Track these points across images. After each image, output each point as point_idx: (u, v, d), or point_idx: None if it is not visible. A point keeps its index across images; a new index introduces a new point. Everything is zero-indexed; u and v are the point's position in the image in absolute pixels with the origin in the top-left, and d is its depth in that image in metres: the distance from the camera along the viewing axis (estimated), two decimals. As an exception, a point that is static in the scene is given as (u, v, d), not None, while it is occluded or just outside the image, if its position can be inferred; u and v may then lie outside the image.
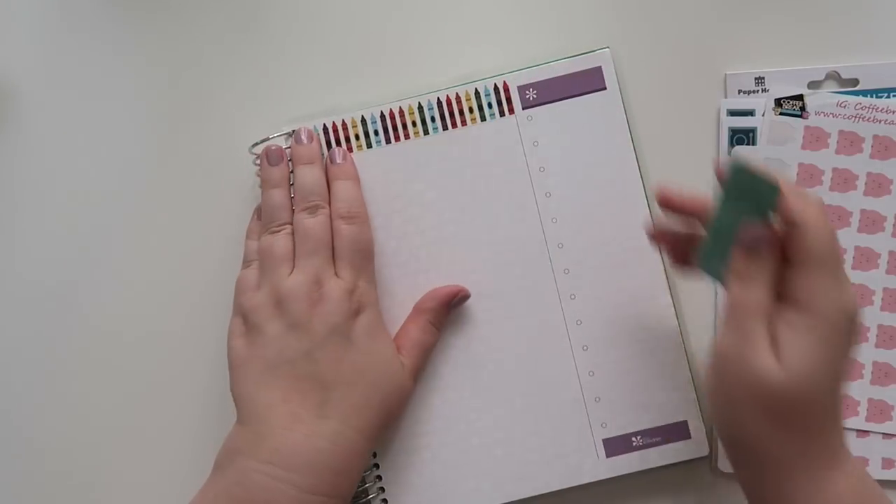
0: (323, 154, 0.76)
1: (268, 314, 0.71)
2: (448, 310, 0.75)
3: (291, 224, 0.74)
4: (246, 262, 0.75)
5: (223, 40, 0.79)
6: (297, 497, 0.67)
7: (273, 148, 0.75)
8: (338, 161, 0.75)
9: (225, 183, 0.78)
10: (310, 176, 0.74)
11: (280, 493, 0.66)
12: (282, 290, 0.71)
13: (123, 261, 0.78)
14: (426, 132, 0.76)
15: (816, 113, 0.75)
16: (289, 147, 0.76)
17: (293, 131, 0.76)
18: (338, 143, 0.76)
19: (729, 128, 0.76)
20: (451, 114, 0.76)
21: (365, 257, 0.73)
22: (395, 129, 0.76)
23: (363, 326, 0.71)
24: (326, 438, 0.68)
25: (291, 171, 0.75)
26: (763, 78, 0.76)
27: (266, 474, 0.67)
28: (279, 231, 0.73)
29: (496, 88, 0.76)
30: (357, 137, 0.76)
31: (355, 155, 0.76)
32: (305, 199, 0.74)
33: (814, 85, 0.76)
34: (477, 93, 0.76)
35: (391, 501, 0.75)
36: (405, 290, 0.76)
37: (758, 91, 0.77)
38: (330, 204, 0.74)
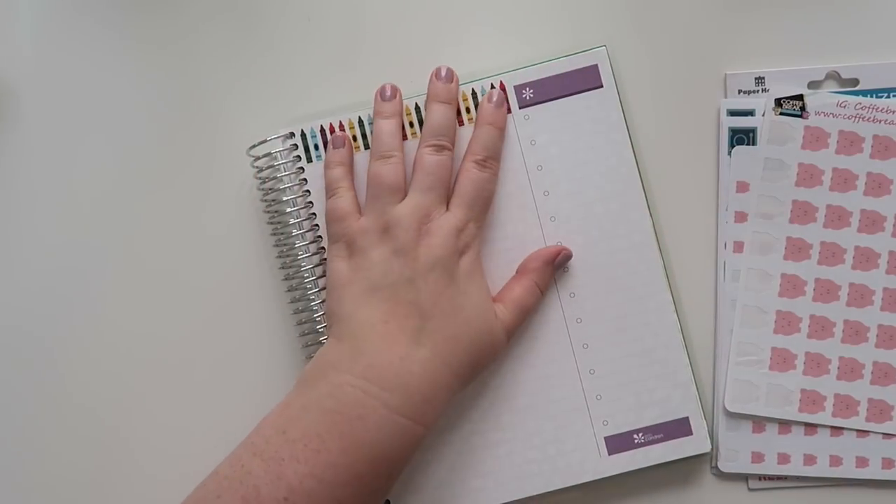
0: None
1: (374, 239, 0.72)
2: (552, 269, 0.75)
3: (401, 154, 0.74)
4: (331, 191, 0.75)
5: (222, 41, 0.79)
6: (387, 416, 0.68)
7: (388, 85, 0.76)
8: (493, 107, 0.76)
9: (224, 184, 0.79)
10: (442, 115, 0.75)
11: (371, 410, 0.68)
12: (391, 217, 0.72)
13: (122, 261, 0.79)
14: (424, 133, 0.77)
15: (816, 113, 0.75)
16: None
17: (291, 133, 0.77)
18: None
19: (729, 128, 0.76)
20: (449, 114, 0.77)
21: (483, 204, 0.74)
22: (392, 129, 0.77)
23: (465, 266, 0.72)
24: (419, 364, 0.69)
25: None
26: (763, 78, 0.76)
27: (360, 389, 0.68)
28: (390, 159, 0.74)
29: (493, 88, 0.76)
30: (355, 139, 0.76)
31: (353, 156, 0.77)
32: (434, 136, 0.74)
33: (814, 85, 0.76)
34: (474, 93, 0.76)
35: (394, 502, 0.75)
36: None
37: (758, 91, 0.77)
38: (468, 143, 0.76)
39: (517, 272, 0.75)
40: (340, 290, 0.72)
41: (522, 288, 0.74)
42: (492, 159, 0.75)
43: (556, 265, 0.75)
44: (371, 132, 0.76)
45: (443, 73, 0.75)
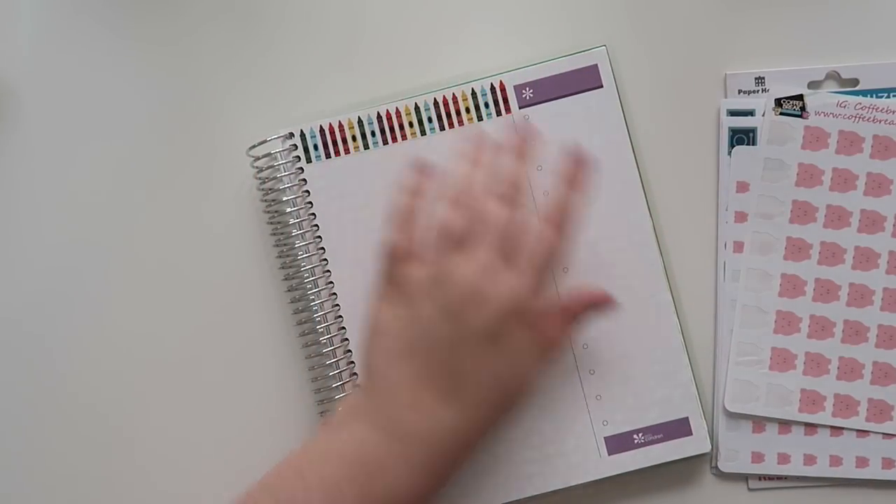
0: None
1: (425, 292, 0.67)
2: (591, 314, 0.72)
3: (479, 204, 0.68)
4: (396, 221, 0.70)
5: (222, 42, 0.79)
6: (408, 472, 0.66)
7: (477, 130, 0.73)
8: (572, 166, 0.70)
9: (224, 184, 0.79)
10: (513, 166, 0.70)
11: (392, 464, 0.66)
12: (448, 274, 0.67)
13: (122, 260, 0.79)
14: (423, 133, 0.76)
15: (816, 113, 0.75)
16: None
17: (290, 133, 0.77)
18: (334, 144, 0.77)
19: (729, 128, 0.76)
20: (448, 114, 0.76)
21: (547, 266, 0.68)
22: (392, 129, 0.77)
23: (518, 340, 0.67)
24: (445, 425, 0.66)
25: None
26: (763, 78, 0.76)
27: (382, 442, 0.66)
28: (463, 209, 0.68)
29: (493, 88, 0.76)
30: (354, 139, 0.76)
31: (353, 156, 0.77)
32: (504, 186, 0.69)
33: (814, 85, 0.76)
34: (473, 92, 0.76)
35: (393, 501, 0.75)
36: None
37: (758, 91, 0.77)
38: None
39: (561, 308, 0.72)
40: (378, 338, 0.69)
41: (563, 332, 0.71)
42: (568, 220, 0.69)
43: (598, 311, 0.72)
44: (370, 132, 0.76)
45: (523, 130, 0.73)
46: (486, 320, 0.66)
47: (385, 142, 0.76)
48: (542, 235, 0.68)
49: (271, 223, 0.77)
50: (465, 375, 0.66)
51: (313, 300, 0.76)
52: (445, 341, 0.67)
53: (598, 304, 0.72)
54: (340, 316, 0.76)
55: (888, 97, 0.75)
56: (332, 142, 0.77)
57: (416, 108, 0.76)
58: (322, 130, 0.77)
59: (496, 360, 0.67)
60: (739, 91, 0.77)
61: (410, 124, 0.76)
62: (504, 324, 0.66)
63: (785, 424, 0.75)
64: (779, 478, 0.76)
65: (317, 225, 0.76)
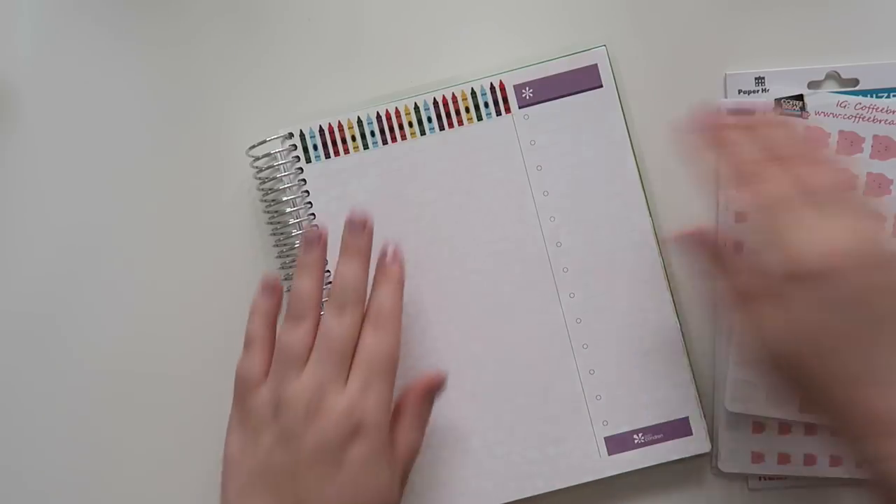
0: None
1: (267, 417, 0.65)
2: (430, 403, 0.70)
3: (315, 317, 0.67)
4: (247, 346, 0.69)
5: (222, 42, 0.80)
6: None
7: (313, 232, 0.69)
8: (387, 263, 0.70)
9: (223, 185, 0.79)
10: (351, 273, 0.68)
11: None
12: (284, 395, 0.65)
13: (122, 261, 0.79)
14: (423, 133, 0.76)
15: (816, 113, 0.75)
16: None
17: (290, 133, 0.77)
18: (334, 144, 0.77)
19: (729, 128, 0.76)
20: (448, 114, 0.76)
21: (383, 371, 0.66)
22: (391, 129, 0.77)
23: (358, 452, 0.64)
24: None
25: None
26: (763, 78, 0.76)
27: None
28: (301, 325, 0.67)
29: (492, 88, 0.76)
30: (353, 139, 0.76)
31: (352, 156, 0.77)
32: (338, 296, 0.67)
33: (814, 85, 0.76)
34: (473, 92, 0.76)
35: (393, 501, 0.75)
36: (404, 292, 0.76)
37: (758, 91, 0.76)
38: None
39: (395, 409, 0.69)
40: (228, 469, 0.66)
41: (410, 439, 0.69)
42: (387, 315, 0.67)
43: (433, 397, 0.70)
44: (370, 132, 0.76)
45: (356, 225, 0.69)
46: (321, 437, 0.64)
47: (384, 142, 0.77)
48: (364, 339, 0.67)
49: (271, 223, 0.77)
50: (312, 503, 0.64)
51: (313, 300, 0.76)
52: (286, 470, 0.64)
53: (432, 388, 0.70)
54: (340, 316, 0.76)
55: (888, 97, 0.75)
56: (332, 142, 0.77)
57: (416, 107, 0.76)
58: (321, 130, 0.77)
59: (342, 483, 0.64)
60: (739, 91, 0.77)
61: (410, 124, 0.76)
62: (341, 438, 0.64)
63: (785, 424, 0.75)
64: (779, 478, 0.76)
65: (316, 225, 0.76)
